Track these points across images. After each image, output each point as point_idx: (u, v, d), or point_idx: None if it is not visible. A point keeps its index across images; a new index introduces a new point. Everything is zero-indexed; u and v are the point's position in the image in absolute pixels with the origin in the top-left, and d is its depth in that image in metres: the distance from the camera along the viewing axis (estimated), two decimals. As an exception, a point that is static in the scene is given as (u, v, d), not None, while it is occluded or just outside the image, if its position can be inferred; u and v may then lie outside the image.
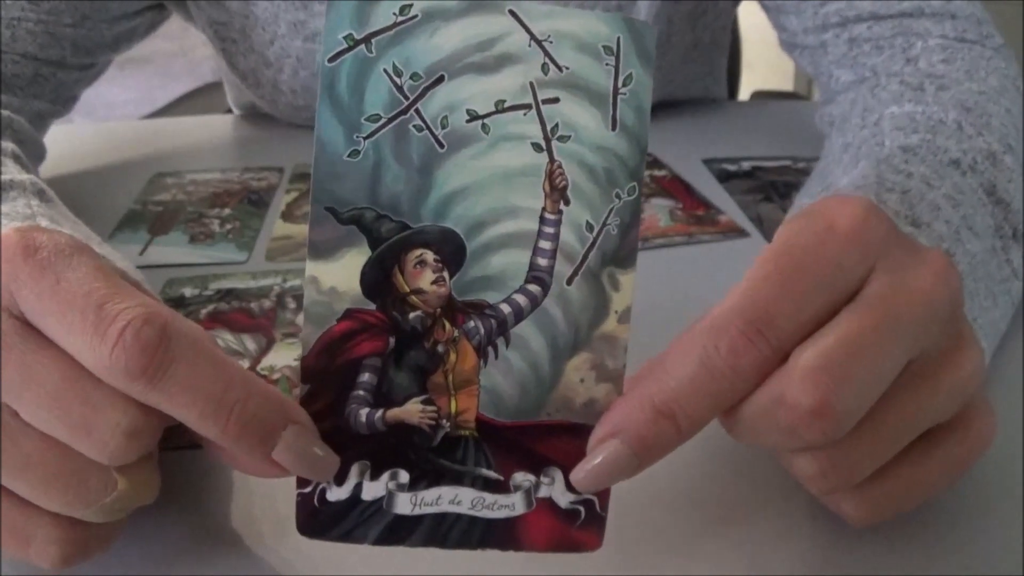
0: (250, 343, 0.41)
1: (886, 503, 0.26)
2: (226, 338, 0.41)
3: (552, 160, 0.25)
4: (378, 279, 0.25)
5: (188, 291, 0.46)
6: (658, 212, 0.55)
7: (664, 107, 0.75)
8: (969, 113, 0.43)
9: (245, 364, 0.39)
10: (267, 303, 0.44)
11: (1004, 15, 0.68)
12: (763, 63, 1.64)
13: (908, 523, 0.29)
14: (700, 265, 0.48)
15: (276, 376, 0.38)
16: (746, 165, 0.63)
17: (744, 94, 1.36)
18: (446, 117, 0.25)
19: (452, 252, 0.25)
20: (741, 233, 0.52)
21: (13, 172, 0.42)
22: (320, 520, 0.25)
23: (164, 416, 0.24)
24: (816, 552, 0.28)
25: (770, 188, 0.59)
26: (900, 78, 0.50)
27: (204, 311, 0.44)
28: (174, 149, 0.69)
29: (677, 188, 0.58)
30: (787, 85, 2.05)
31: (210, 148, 0.71)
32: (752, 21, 0.94)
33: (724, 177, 0.60)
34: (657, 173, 0.61)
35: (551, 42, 0.24)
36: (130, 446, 0.23)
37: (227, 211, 0.56)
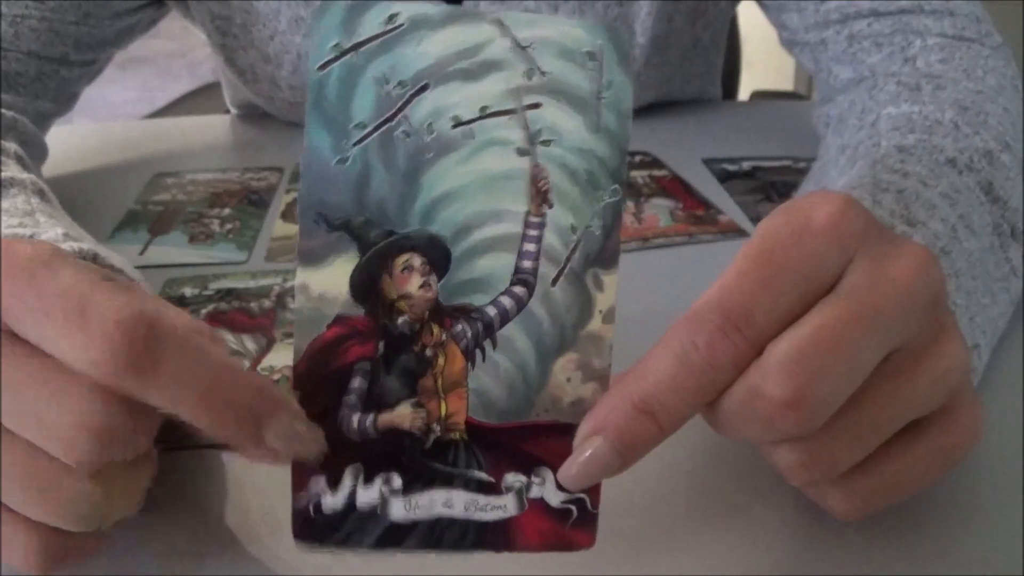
0: (250, 343, 0.41)
1: (870, 496, 0.26)
2: (226, 338, 0.41)
3: (535, 164, 0.25)
4: (366, 284, 0.25)
5: (188, 291, 0.46)
6: (658, 212, 0.55)
7: (664, 107, 0.75)
8: (966, 112, 0.43)
9: (245, 364, 0.39)
10: (267, 303, 0.44)
11: (1004, 15, 0.68)
12: (763, 63, 1.65)
13: (907, 523, 0.29)
14: (700, 265, 0.48)
15: (276, 376, 0.38)
16: (746, 165, 0.63)
17: (744, 94, 1.36)
18: (432, 123, 0.25)
19: (438, 257, 0.25)
20: (741, 233, 0.52)
21: (15, 171, 0.42)
22: (316, 529, 0.25)
23: (141, 422, 0.24)
24: (812, 549, 0.28)
25: (770, 188, 0.59)
26: (897, 78, 0.50)
27: (204, 311, 0.44)
28: (174, 149, 0.69)
29: (677, 188, 0.58)
30: (787, 85, 2.05)
31: (210, 148, 0.71)
32: (752, 21, 0.94)
33: (724, 177, 0.61)
34: (657, 173, 0.61)
35: (534, 49, 0.25)
36: (96, 447, 0.23)
37: (227, 211, 0.56)
